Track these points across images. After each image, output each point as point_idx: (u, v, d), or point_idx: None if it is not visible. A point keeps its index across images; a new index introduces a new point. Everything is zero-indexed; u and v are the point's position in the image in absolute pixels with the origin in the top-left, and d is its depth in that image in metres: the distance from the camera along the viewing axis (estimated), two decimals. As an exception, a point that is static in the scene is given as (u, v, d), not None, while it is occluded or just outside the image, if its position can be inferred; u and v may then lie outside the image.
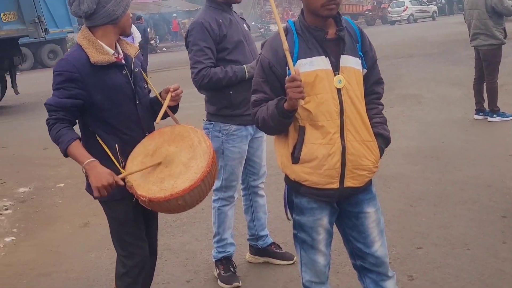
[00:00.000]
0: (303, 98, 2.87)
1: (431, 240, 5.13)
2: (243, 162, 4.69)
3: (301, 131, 3.07)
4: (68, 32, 29.55)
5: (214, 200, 4.76)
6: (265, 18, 55.87)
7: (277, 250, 5.03)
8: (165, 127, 3.56)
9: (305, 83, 2.93)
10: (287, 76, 2.95)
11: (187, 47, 4.50)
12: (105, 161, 3.35)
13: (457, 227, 5.35)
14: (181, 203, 3.21)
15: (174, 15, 47.71)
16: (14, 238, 6.23)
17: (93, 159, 3.28)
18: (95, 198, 3.51)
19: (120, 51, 3.57)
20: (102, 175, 3.22)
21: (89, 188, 3.52)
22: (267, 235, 5.05)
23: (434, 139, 8.45)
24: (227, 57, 4.42)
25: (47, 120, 3.39)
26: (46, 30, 15.56)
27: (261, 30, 45.85)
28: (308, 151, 3.06)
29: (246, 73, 4.36)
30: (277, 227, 5.67)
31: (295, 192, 3.21)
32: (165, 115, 3.61)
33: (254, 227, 5.00)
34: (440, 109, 10.71)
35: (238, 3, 4.64)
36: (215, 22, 4.38)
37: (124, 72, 3.48)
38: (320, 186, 3.09)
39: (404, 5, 49.30)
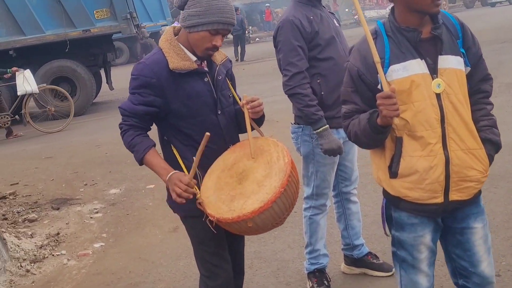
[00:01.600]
0: (397, 116, 2.57)
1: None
2: (335, 168, 4.33)
3: (398, 142, 2.76)
4: (162, 26, 30.02)
5: (305, 209, 4.44)
6: (360, 4, 54.72)
7: (374, 261, 4.65)
8: (248, 139, 3.26)
9: (399, 91, 2.64)
10: (379, 84, 2.67)
11: (275, 46, 4.19)
12: None
13: None
14: (251, 225, 2.91)
15: (267, 4, 47.52)
16: (103, 244, 6.12)
17: (174, 171, 3.05)
18: (174, 212, 3.32)
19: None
20: (177, 179, 3.00)
21: (169, 200, 3.30)
22: (362, 244, 4.68)
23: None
24: (319, 56, 4.08)
25: (120, 124, 3.20)
26: (137, 26, 15.69)
27: (355, 17, 44.96)
28: (407, 165, 2.75)
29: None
30: (374, 233, 5.31)
31: (394, 206, 2.91)
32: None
33: (349, 236, 4.65)
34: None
35: None
36: (306, 19, 4.05)
37: (206, 79, 3.21)
38: (422, 201, 2.78)
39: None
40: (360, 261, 4.67)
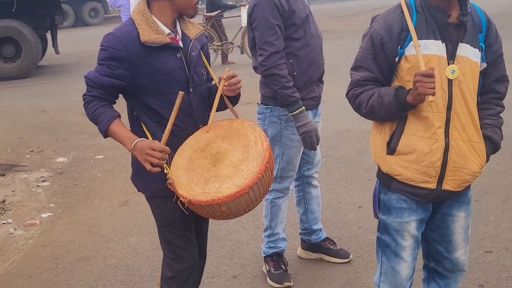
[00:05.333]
0: (433, 94, 2.54)
1: (501, 243, 4.67)
2: (302, 150, 4.27)
3: (402, 119, 2.76)
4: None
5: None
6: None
7: (332, 247, 4.63)
8: (222, 120, 3.16)
9: (414, 67, 2.64)
10: (397, 57, 2.71)
11: (251, 24, 4.06)
12: None
13: (530, 228, 4.85)
14: (224, 210, 2.83)
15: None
16: (51, 214, 5.93)
17: (139, 139, 2.92)
18: (139, 191, 3.22)
19: (179, 31, 3.14)
20: (148, 146, 2.86)
21: (135, 178, 3.19)
22: (320, 229, 4.65)
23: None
24: (293, 35, 3.98)
25: (84, 95, 3.04)
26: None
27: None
28: (407, 143, 2.75)
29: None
30: (329, 218, 5.31)
31: (385, 187, 2.90)
32: (224, 106, 3.19)
33: (307, 221, 4.61)
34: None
35: None
36: None
37: (178, 55, 3.06)
38: (414, 183, 2.78)
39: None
40: (317, 246, 4.64)
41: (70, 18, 30.86)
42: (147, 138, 3.02)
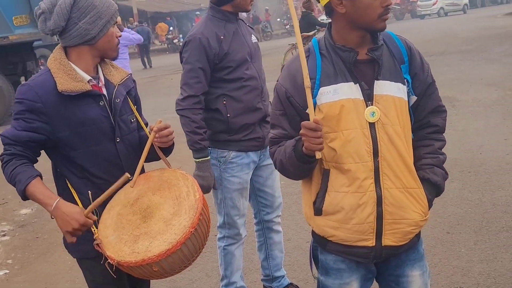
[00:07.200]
0: (320, 150, 2.28)
1: (472, 277, 4.44)
2: (246, 194, 4.06)
3: (325, 175, 2.48)
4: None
5: (219, 239, 4.15)
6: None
7: (295, 292, 4.39)
8: (154, 171, 2.95)
9: (328, 116, 2.38)
10: (308, 109, 2.37)
11: (181, 61, 3.90)
12: None
13: (502, 260, 4.63)
14: (157, 269, 2.61)
15: (197, 12, 47.22)
16: (7, 271, 5.67)
17: (58, 198, 2.68)
18: (69, 252, 2.98)
19: (102, 78, 2.93)
20: (69, 216, 2.64)
21: (64, 238, 2.95)
22: (283, 276, 4.41)
23: (470, 150, 7.67)
24: (227, 77, 3.81)
25: (1, 155, 2.78)
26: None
27: (286, 27, 45.16)
28: (332, 201, 2.47)
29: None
30: (297, 259, 5.07)
31: (321, 247, 2.62)
32: (156, 157, 2.99)
33: (269, 267, 4.38)
34: (476, 114, 9.81)
35: (247, 12, 4.03)
36: (215, 38, 3.75)
37: (101, 103, 2.85)
38: (349, 243, 2.49)
39: (435, -2, 47.96)
40: (280, 293, 4.39)
41: (49, 63, 30.79)
42: (72, 196, 2.80)
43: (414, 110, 2.59)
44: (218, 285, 4.74)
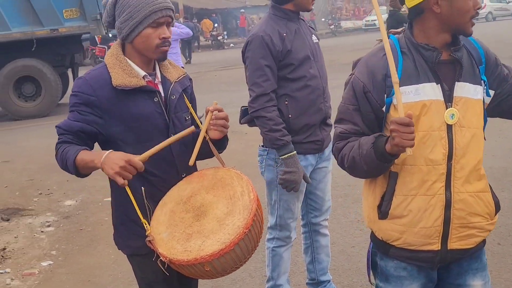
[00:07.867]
0: (412, 146, 2.19)
1: (526, 292, 4.29)
2: (301, 197, 3.98)
3: (392, 178, 2.40)
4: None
5: (268, 240, 4.08)
6: (336, 15, 54.89)
7: (341, 299, 4.31)
8: (208, 169, 2.89)
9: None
10: (385, 107, 2.35)
11: (244, 62, 3.84)
12: (131, 207, 2.72)
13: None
14: (209, 269, 2.55)
15: (242, 10, 47.35)
16: (51, 262, 5.68)
17: (110, 150, 2.65)
18: (119, 249, 2.97)
19: (158, 74, 2.90)
20: (115, 155, 2.59)
21: (115, 234, 2.94)
22: (329, 281, 4.33)
23: (522, 159, 7.51)
24: (289, 76, 3.73)
25: (55, 146, 2.78)
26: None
27: (331, 27, 44.94)
28: (400, 204, 2.40)
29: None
30: (342, 264, 4.98)
31: (382, 253, 2.54)
32: (210, 153, 2.91)
33: (314, 271, 4.30)
34: (527, 121, 9.55)
35: (309, 11, 3.97)
36: (278, 36, 3.69)
37: (156, 99, 2.82)
38: (414, 247, 2.42)
39: (483, 2, 47.22)
40: (325, 299, 4.31)
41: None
42: (127, 195, 2.74)
43: (498, 102, 2.53)
44: (262, 286, 4.70)
